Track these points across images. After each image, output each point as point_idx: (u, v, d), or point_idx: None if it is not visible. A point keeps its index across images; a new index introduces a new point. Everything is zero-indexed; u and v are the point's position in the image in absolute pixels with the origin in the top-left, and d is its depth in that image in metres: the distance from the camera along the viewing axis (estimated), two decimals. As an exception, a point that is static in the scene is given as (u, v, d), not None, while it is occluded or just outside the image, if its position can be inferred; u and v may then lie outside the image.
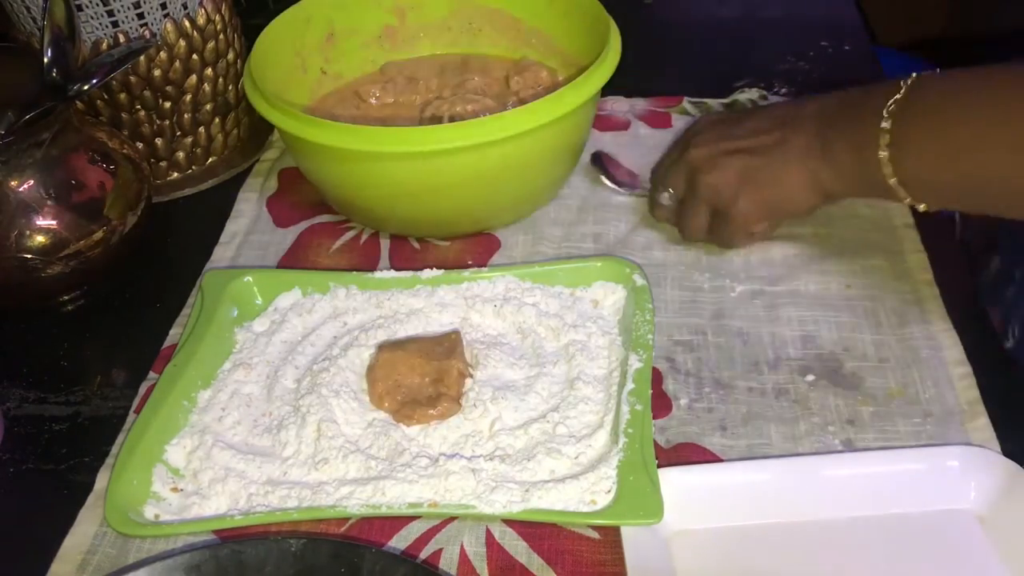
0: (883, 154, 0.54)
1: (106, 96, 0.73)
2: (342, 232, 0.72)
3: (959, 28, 1.66)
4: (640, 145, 0.78)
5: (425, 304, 0.62)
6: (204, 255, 0.70)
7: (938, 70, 0.55)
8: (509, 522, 0.51)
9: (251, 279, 0.64)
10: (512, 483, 0.51)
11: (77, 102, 0.67)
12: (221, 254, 0.71)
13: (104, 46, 0.70)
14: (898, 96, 0.54)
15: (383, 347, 0.58)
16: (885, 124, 0.54)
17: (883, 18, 1.00)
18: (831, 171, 0.58)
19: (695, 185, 0.64)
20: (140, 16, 0.70)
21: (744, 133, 0.63)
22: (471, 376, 0.58)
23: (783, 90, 0.85)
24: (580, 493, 0.50)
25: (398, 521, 0.52)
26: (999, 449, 0.53)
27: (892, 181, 0.54)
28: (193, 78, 0.75)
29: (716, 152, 0.63)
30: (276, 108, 0.64)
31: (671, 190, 0.66)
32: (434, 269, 0.64)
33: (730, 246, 0.67)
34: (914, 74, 0.54)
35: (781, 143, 0.60)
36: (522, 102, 0.73)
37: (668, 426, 0.56)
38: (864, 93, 0.58)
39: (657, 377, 0.58)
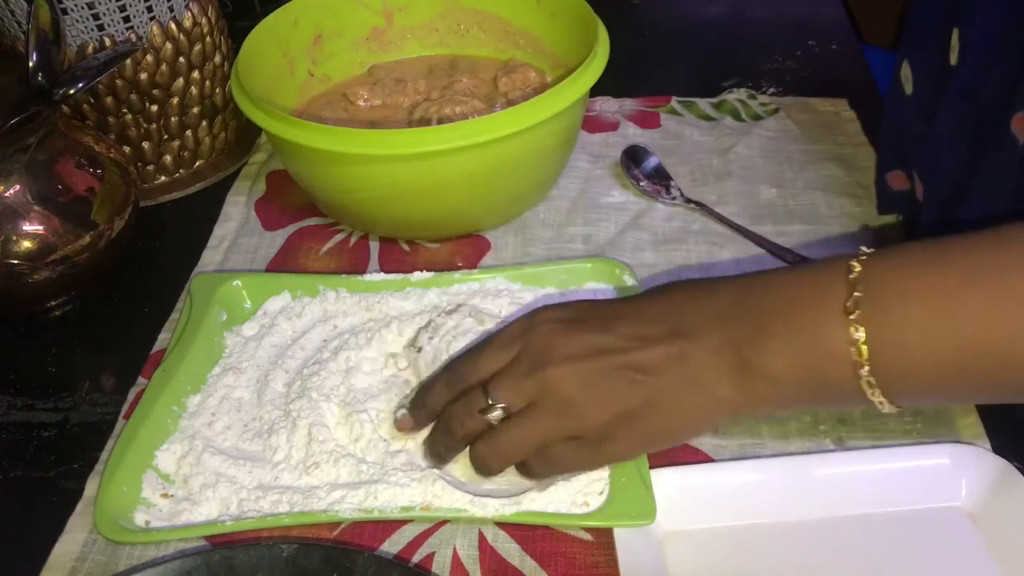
0: (856, 342, 0.43)
1: (92, 100, 0.72)
2: (331, 235, 0.72)
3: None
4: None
5: (415, 307, 0.62)
6: (192, 259, 0.70)
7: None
8: (502, 524, 0.51)
9: (240, 283, 0.64)
10: (504, 483, 0.51)
11: (63, 106, 0.67)
12: (209, 258, 0.70)
13: (90, 49, 0.70)
14: (856, 271, 0.43)
15: None
16: (851, 306, 0.43)
17: (870, 17, 1.00)
18: (752, 386, 0.45)
19: (546, 408, 0.47)
20: (126, 19, 0.70)
21: (622, 341, 0.47)
22: None
23: (771, 89, 0.85)
24: (572, 495, 0.50)
25: (390, 525, 0.51)
26: (989, 446, 0.53)
27: (864, 371, 0.43)
28: (180, 81, 0.75)
29: (587, 371, 0.47)
30: (263, 111, 0.64)
31: (501, 404, 0.48)
32: (424, 271, 0.64)
33: (538, 473, 0.50)
34: (861, 252, 0.45)
35: (679, 359, 0.46)
36: (511, 103, 0.73)
37: (660, 427, 0.56)
38: (786, 280, 0.46)
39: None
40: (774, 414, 0.54)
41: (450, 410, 0.51)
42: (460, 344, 0.55)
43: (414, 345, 0.57)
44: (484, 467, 0.50)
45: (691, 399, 0.46)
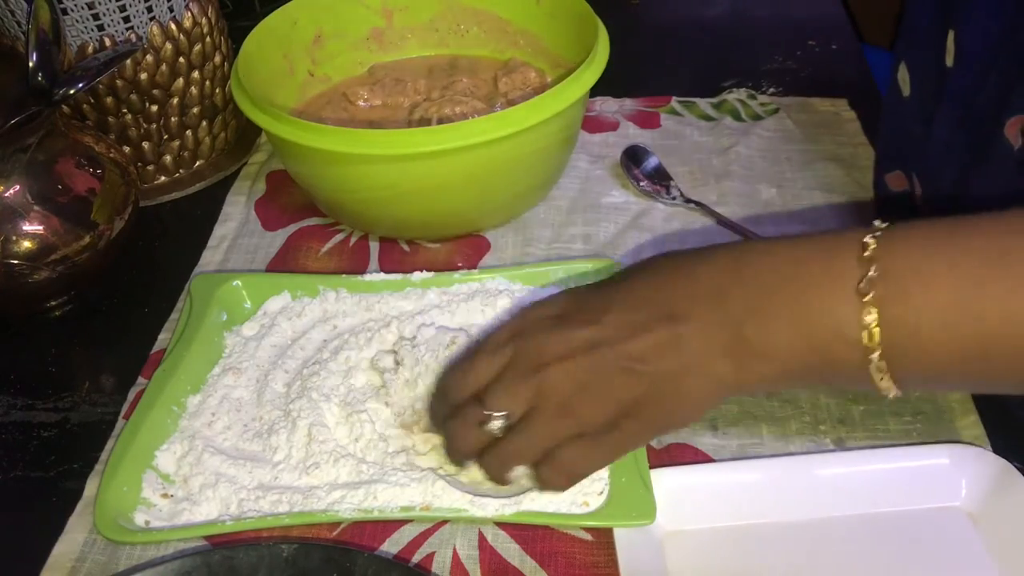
0: (868, 325, 0.41)
1: (92, 100, 0.72)
2: (331, 235, 0.72)
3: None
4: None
5: (415, 306, 0.62)
6: (192, 259, 0.70)
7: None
8: (502, 524, 0.51)
9: (240, 283, 0.64)
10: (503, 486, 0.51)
11: (63, 106, 0.67)
12: (209, 258, 0.70)
13: (90, 50, 0.70)
14: (871, 249, 0.41)
15: None
16: (864, 287, 0.41)
17: (870, 17, 1.00)
18: (751, 365, 0.44)
19: (547, 411, 0.46)
20: (126, 19, 0.70)
21: (613, 332, 0.46)
22: None
23: (771, 89, 0.85)
24: (572, 495, 0.50)
25: (390, 525, 0.51)
26: (989, 447, 0.53)
27: (875, 355, 0.41)
28: (180, 81, 0.75)
29: (582, 368, 0.45)
30: (263, 111, 0.64)
31: (502, 413, 0.47)
32: (424, 271, 0.64)
33: (558, 485, 0.48)
34: (875, 227, 0.43)
35: (674, 345, 0.44)
36: (511, 103, 0.73)
37: (660, 427, 0.56)
38: (790, 254, 0.44)
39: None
40: (774, 391, 0.52)
41: (450, 427, 0.49)
42: (436, 360, 0.55)
43: (383, 368, 0.57)
44: (495, 478, 0.49)
45: (690, 382, 0.45)
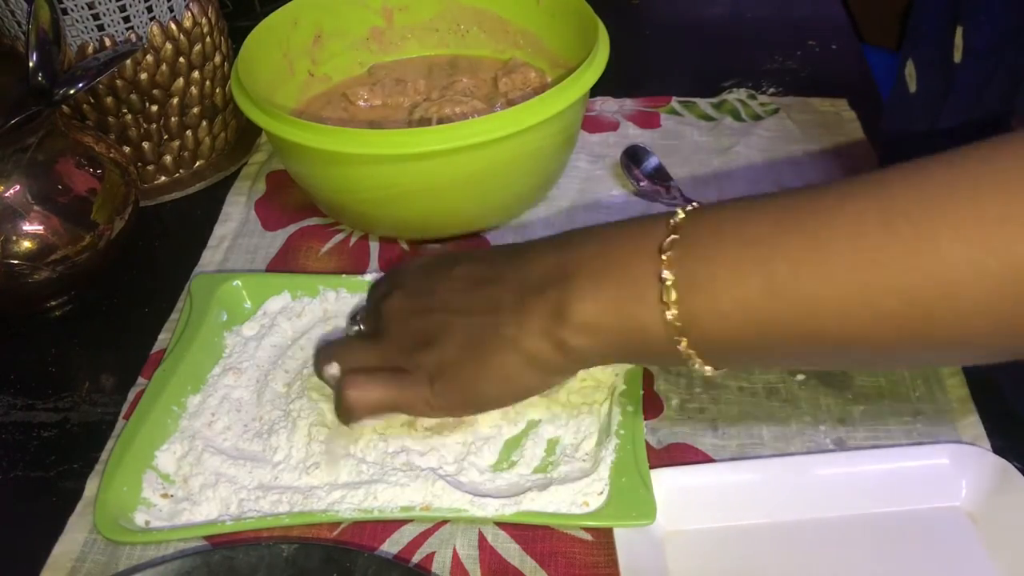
0: (664, 282, 0.41)
1: (92, 100, 0.72)
2: (331, 235, 0.72)
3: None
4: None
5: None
6: (192, 259, 0.70)
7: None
8: (501, 524, 0.51)
9: (240, 283, 0.64)
10: (504, 485, 0.51)
11: (63, 106, 0.67)
12: (209, 258, 0.70)
13: (90, 50, 0.70)
14: (678, 218, 0.42)
15: None
16: (664, 247, 0.41)
17: (870, 17, 1.01)
18: (564, 337, 0.44)
19: (372, 335, 0.52)
20: (126, 19, 0.70)
21: (458, 285, 0.49)
22: None
23: (771, 89, 0.85)
24: (572, 495, 0.50)
25: (390, 525, 0.51)
26: (989, 447, 0.53)
27: (670, 315, 0.41)
28: (180, 81, 0.75)
29: (409, 305, 0.50)
30: (263, 111, 0.64)
31: (357, 325, 0.55)
32: (424, 271, 0.64)
33: (338, 406, 0.52)
34: (679, 210, 0.43)
35: (492, 308, 0.46)
36: (511, 103, 0.73)
37: (659, 426, 0.56)
38: (608, 229, 0.45)
39: (648, 377, 0.58)
40: (591, 367, 0.50)
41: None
42: None
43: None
44: (320, 363, 0.53)
45: (503, 356, 0.46)
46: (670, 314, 0.41)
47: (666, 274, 0.41)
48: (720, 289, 0.40)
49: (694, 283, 0.40)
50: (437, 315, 0.48)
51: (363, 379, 0.50)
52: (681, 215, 0.42)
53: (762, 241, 0.39)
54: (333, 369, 0.52)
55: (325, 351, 0.53)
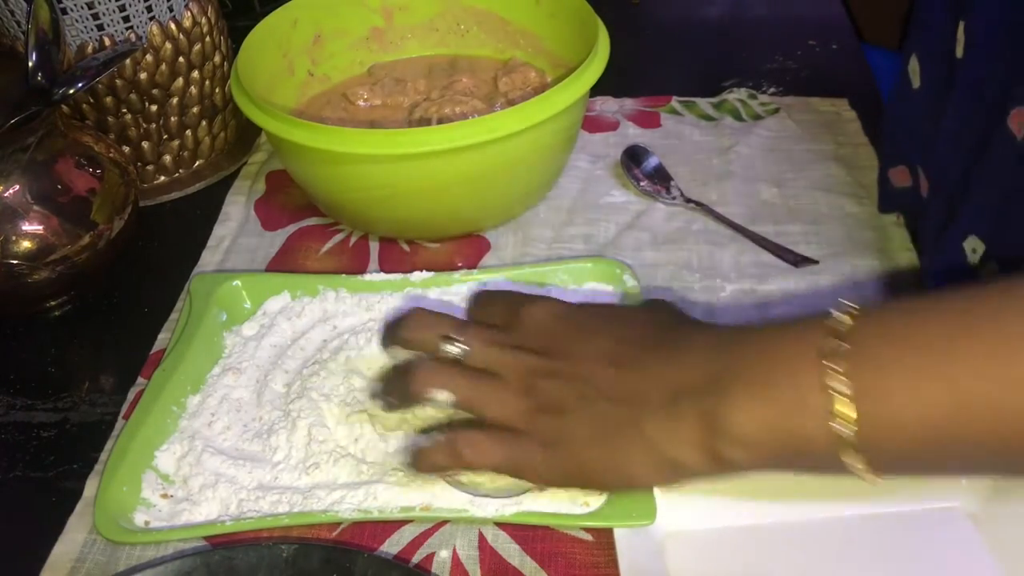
0: (834, 397, 0.38)
1: (92, 100, 0.72)
2: (331, 235, 0.72)
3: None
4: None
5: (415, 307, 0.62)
6: (192, 259, 0.70)
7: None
8: (502, 525, 0.51)
9: (239, 283, 0.64)
10: (504, 485, 0.51)
11: (63, 106, 0.67)
12: (209, 258, 0.70)
13: (89, 49, 0.69)
14: (839, 323, 0.40)
15: None
16: (831, 358, 0.39)
17: (870, 17, 1.00)
18: (718, 449, 0.42)
19: (495, 380, 0.48)
20: (126, 19, 0.70)
21: (594, 365, 0.46)
22: None
23: (771, 89, 0.85)
24: (572, 495, 0.50)
25: (390, 525, 0.51)
26: (990, 447, 0.53)
27: (843, 430, 0.39)
28: (179, 81, 0.75)
29: (554, 378, 0.47)
30: (263, 111, 0.64)
31: (463, 345, 0.49)
32: (424, 271, 0.64)
33: (438, 455, 0.49)
34: (840, 314, 0.40)
35: (632, 423, 0.44)
36: (511, 103, 0.73)
37: (660, 427, 0.56)
38: (763, 334, 0.43)
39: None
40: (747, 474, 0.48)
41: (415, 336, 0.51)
42: None
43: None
44: (408, 387, 0.49)
45: (634, 452, 0.44)
46: (839, 428, 0.38)
47: (838, 387, 0.38)
48: (896, 402, 0.38)
49: (869, 397, 0.38)
50: (574, 385, 0.46)
51: (482, 439, 0.47)
52: (846, 320, 0.40)
53: (940, 348, 0.38)
54: (443, 396, 0.48)
55: (426, 370, 0.49)
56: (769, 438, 0.41)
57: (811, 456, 0.40)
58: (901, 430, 0.38)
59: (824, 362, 0.39)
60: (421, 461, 0.49)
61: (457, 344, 0.49)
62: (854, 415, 0.38)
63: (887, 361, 0.38)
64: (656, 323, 0.49)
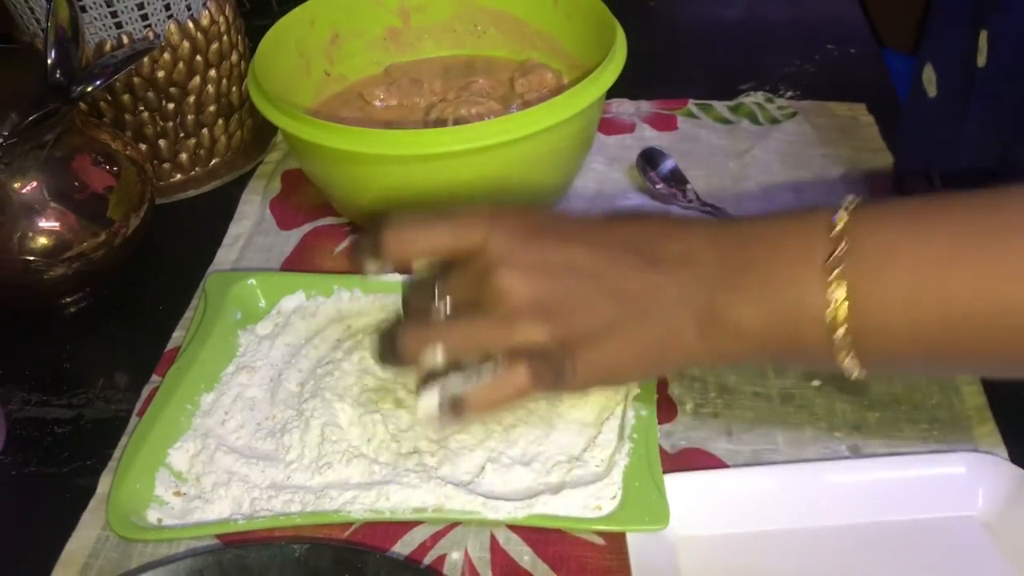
0: (833, 301, 0.40)
1: (109, 98, 0.73)
2: (346, 235, 0.72)
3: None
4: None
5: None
6: (207, 257, 0.70)
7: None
8: (514, 527, 0.51)
9: (254, 282, 0.64)
10: (517, 487, 0.51)
11: (80, 104, 0.67)
12: (224, 256, 0.70)
13: (108, 47, 0.70)
14: (843, 224, 0.41)
15: None
16: (832, 262, 0.40)
17: (888, 21, 1.00)
18: (716, 335, 0.43)
19: (492, 312, 0.44)
20: (144, 17, 0.70)
21: (587, 260, 0.45)
22: None
23: (788, 93, 0.85)
24: (585, 499, 0.50)
25: (402, 526, 0.51)
26: (1007, 455, 0.52)
27: (839, 333, 0.40)
28: (197, 79, 0.75)
29: (544, 283, 0.44)
30: (279, 110, 0.64)
31: (448, 296, 0.46)
32: (438, 272, 0.64)
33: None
34: (849, 199, 0.42)
35: (650, 292, 0.43)
36: (527, 105, 0.73)
37: (673, 431, 0.56)
38: (764, 228, 0.44)
39: (662, 381, 0.58)
40: (733, 366, 0.50)
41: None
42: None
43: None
44: (404, 350, 0.46)
45: (654, 333, 0.43)
46: (839, 334, 0.40)
47: (836, 295, 0.40)
48: (892, 310, 0.39)
49: (865, 303, 0.40)
50: (585, 283, 0.44)
51: (516, 369, 0.44)
52: (844, 220, 0.41)
53: (939, 261, 0.39)
54: (438, 355, 0.45)
55: (415, 331, 0.46)
56: (763, 334, 0.42)
57: (800, 353, 0.43)
58: (892, 335, 0.40)
59: (824, 266, 0.40)
60: (470, 405, 0.46)
61: (441, 301, 0.46)
62: (848, 319, 0.40)
63: (883, 271, 0.40)
64: (644, 220, 0.47)
